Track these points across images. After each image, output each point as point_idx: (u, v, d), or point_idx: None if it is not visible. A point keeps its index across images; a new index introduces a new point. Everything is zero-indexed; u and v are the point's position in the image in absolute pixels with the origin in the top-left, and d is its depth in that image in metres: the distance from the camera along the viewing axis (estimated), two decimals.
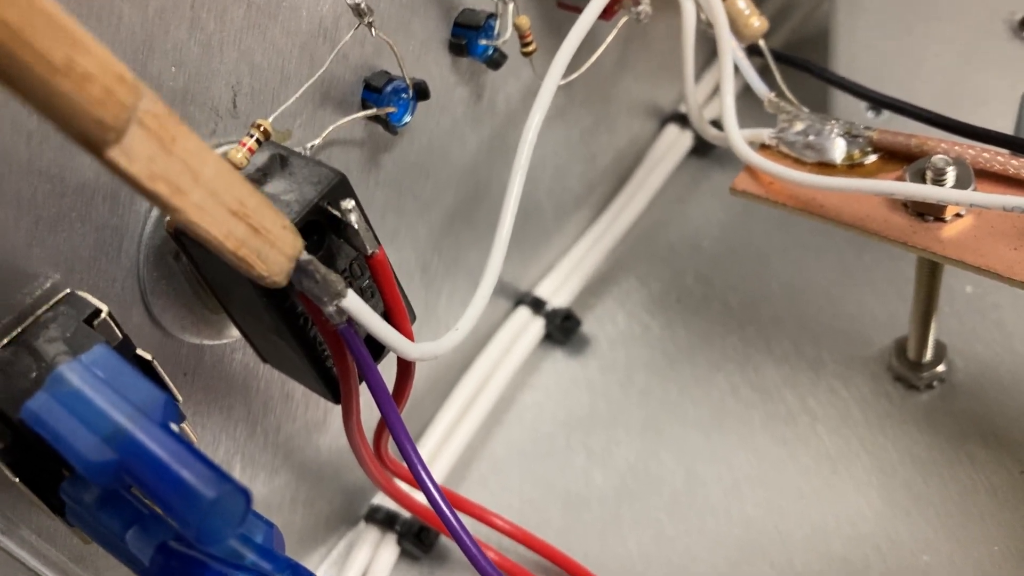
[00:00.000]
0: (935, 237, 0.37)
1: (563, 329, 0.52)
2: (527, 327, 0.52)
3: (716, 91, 0.59)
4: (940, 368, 0.46)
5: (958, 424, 0.45)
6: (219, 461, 0.38)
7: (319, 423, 0.43)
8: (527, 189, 0.39)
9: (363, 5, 0.34)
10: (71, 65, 0.19)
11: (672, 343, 0.51)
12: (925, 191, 0.36)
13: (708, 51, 0.58)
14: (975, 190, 0.37)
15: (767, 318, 0.51)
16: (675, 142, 0.59)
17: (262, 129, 0.32)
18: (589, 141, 0.54)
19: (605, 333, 0.53)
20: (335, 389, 0.34)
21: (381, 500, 0.47)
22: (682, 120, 0.60)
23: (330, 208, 0.30)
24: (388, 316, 0.33)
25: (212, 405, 0.38)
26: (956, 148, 0.39)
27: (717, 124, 0.44)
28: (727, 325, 0.51)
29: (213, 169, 0.23)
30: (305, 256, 0.28)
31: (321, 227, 0.31)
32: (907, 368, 0.46)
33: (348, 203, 0.30)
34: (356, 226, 0.30)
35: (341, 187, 0.31)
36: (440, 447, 0.48)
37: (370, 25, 0.34)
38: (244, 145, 0.31)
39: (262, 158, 0.32)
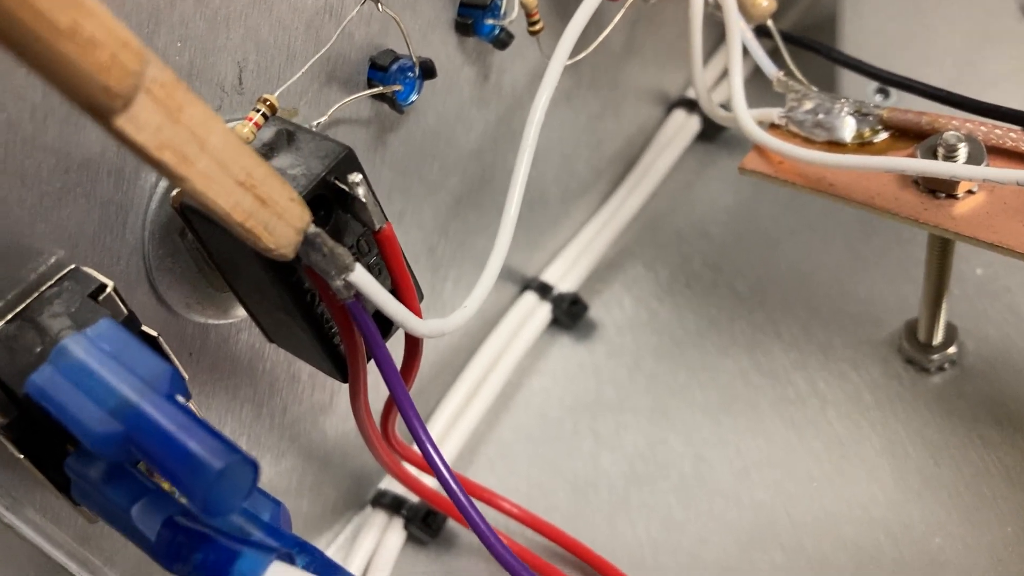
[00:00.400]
0: (947, 214, 0.37)
1: (570, 314, 0.52)
2: (534, 312, 0.52)
3: (724, 75, 0.59)
4: (951, 350, 0.45)
5: (970, 406, 0.44)
6: None
7: (325, 406, 0.43)
8: (534, 175, 0.39)
9: None
10: (76, 29, 0.18)
11: (680, 328, 0.51)
12: (937, 167, 0.36)
13: (716, 36, 0.58)
14: (987, 166, 0.37)
15: (776, 302, 0.50)
16: (682, 127, 0.58)
17: (268, 104, 0.31)
18: (596, 126, 0.53)
19: (612, 318, 0.52)
20: (342, 368, 0.33)
21: (388, 484, 0.47)
22: (689, 105, 0.59)
23: (337, 182, 0.30)
24: (396, 292, 0.32)
25: (217, 385, 0.37)
26: (968, 125, 0.38)
27: (725, 108, 0.44)
28: (735, 310, 0.51)
29: (220, 138, 0.23)
30: (312, 229, 0.28)
31: (328, 202, 0.31)
32: (918, 350, 0.46)
33: (356, 176, 0.30)
34: (364, 200, 0.30)
35: (348, 161, 0.30)
36: (447, 431, 0.48)
37: (377, 1, 0.34)
38: (250, 120, 0.31)
39: (268, 133, 0.32)
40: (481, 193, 0.47)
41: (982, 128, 0.38)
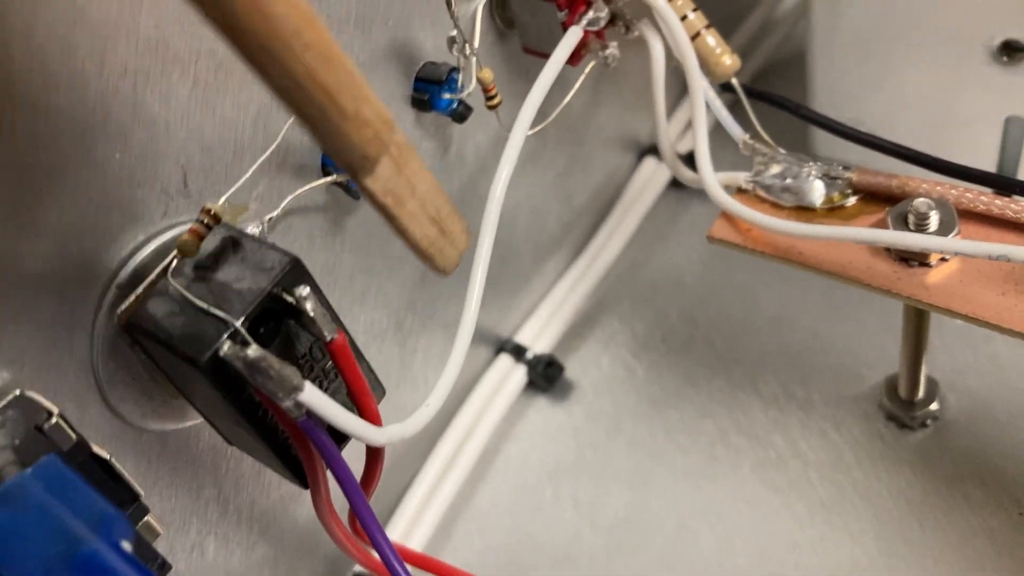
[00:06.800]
0: (920, 283, 0.36)
1: (546, 376, 0.51)
2: (509, 376, 0.51)
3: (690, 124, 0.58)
4: (933, 406, 0.45)
5: (954, 463, 0.43)
6: (190, 543, 0.37)
7: (294, 495, 0.42)
8: (503, 235, 0.38)
9: None
10: (358, 114, 0.23)
11: (658, 387, 0.50)
12: (908, 240, 0.35)
13: (681, 83, 0.57)
14: (959, 233, 0.36)
15: (754, 358, 0.49)
16: (653, 175, 0.57)
17: (211, 213, 0.30)
18: (565, 181, 0.52)
19: (589, 378, 0.51)
20: (302, 475, 0.32)
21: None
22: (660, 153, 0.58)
23: (285, 295, 0.29)
24: (352, 397, 0.31)
25: (179, 488, 0.36)
26: (938, 188, 0.37)
27: (692, 157, 0.43)
28: (713, 367, 0.50)
29: (426, 185, 0.27)
30: (257, 352, 0.27)
31: (277, 313, 0.30)
32: (899, 407, 0.45)
33: (303, 290, 0.29)
34: (312, 314, 0.29)
35: (295, 271, 0.30)
36: (424, 505, 0.47)
37: None
38: (194, 232, 0.30)
39: (213, 242, 0.31)
40: None
41: (952, 192, 0.37)
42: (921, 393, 0.44)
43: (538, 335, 0.52)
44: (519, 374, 0.51)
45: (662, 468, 0.47)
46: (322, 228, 0.38)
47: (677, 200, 0.58)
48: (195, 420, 0.35)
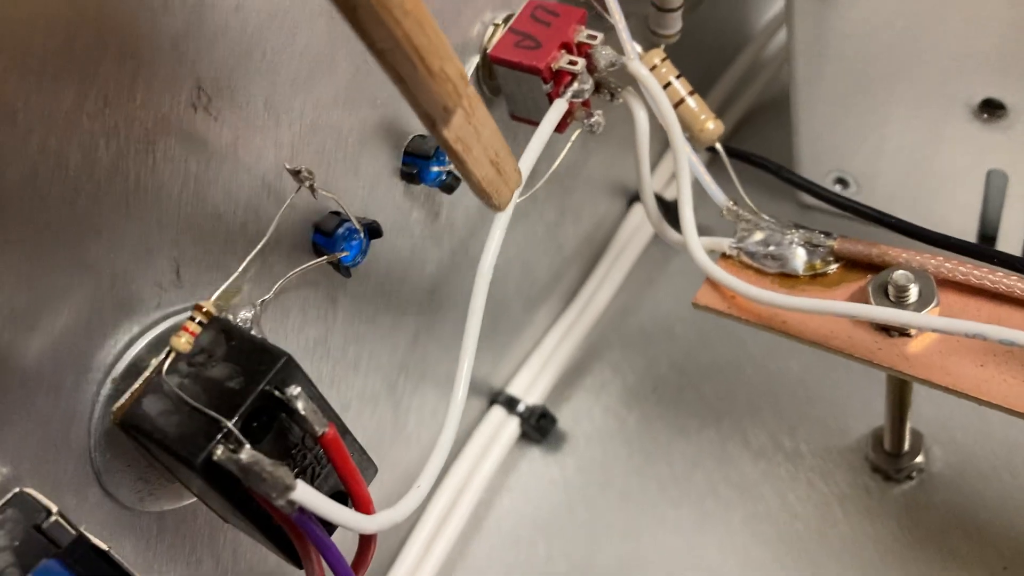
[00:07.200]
0: (900, 354, 0.37)
1: (539, 428, 0.52)
2: (502, 428, 0.51)
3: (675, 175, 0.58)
4: (918, 459, 0.45)
5: (939, 517, 0.44)
6: None
7: None
8: (494, 289, 0.39)
9: (303, 171, 0.33)
10: (442, 71, 0.26)
11: (649, 438, 0.50)
12: (886, 315, 0.36)
13: (665, 136, 0.57)
14: (938, 304, 0.37)
15: (743, 407, 0.50)
16: (642, 222, 0.58)
17: (204, 311, 0.31)
18: (555, 232, 0.53)
19: (582, 429, 0.52)
20: (296, 557, 0.33)
21: None
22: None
23: (277, 393, 0.30)
24: (344, 483, 0.32)
25: (178, 563, 0.37)
26: (918, 258, 0.38)
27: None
28: (703, 417, 0.50)
29: (488, 130, 0.30)
30: (250, 456, 0.28)
31: (269, 408, 0.30)
32: (885, 460, 0.46)
33: (294, 389, 0.30)
34: (303, 412, 0.30)
35: (286, 369, 0.30)
36: (420, 561, 0.48)
37: (312, 188, 0.34)
38: (187, 330, 0.31)
39: (207, 338, 0.31)
40: (439, 323, 0.46)
41: (932, 262, 0.38)
42: (906, 446, 0.45)
43: (530, 386, 0.53)
44: (512, 426, 0.52)
45: (654, 523, 0.47)
46: (315, 304, 0.39)
47: (666, 245, 0.58)
48: (191, 499, 0.36)
